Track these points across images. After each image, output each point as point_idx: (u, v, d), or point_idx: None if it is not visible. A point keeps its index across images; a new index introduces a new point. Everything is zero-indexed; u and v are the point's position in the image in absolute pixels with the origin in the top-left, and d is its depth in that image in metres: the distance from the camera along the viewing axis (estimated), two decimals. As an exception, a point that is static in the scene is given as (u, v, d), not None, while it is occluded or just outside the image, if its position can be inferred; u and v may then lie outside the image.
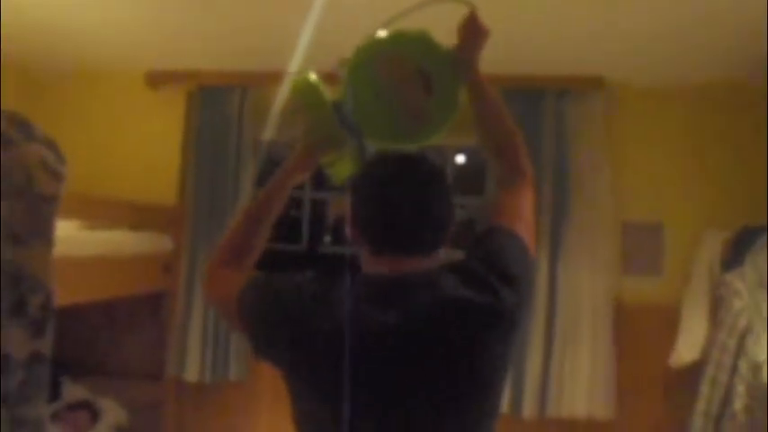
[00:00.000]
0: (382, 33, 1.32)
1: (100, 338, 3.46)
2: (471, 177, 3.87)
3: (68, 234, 2.34)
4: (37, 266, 0.93)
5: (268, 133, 3.22)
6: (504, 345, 1.13)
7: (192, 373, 3.29)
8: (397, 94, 1.29)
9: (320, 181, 3.78)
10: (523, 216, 1.29)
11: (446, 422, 1.10)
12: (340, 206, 4.51)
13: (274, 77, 3.17)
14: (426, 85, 1.28)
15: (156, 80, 3.45)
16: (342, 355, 1.07)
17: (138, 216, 3.07)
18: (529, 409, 3.07)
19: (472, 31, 1.33)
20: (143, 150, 3.50)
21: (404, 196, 1.15)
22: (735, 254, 2.77)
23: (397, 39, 1.32)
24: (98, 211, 2.76)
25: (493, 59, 2.83)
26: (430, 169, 1.18)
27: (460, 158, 4.39)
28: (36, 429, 0.86)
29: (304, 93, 1.34)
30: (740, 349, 2.53)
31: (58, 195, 0.94)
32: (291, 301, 1.15)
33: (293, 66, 2.95)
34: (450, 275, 1.14)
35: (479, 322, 1.10)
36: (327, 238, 4.60)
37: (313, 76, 1.36)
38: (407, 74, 1.28)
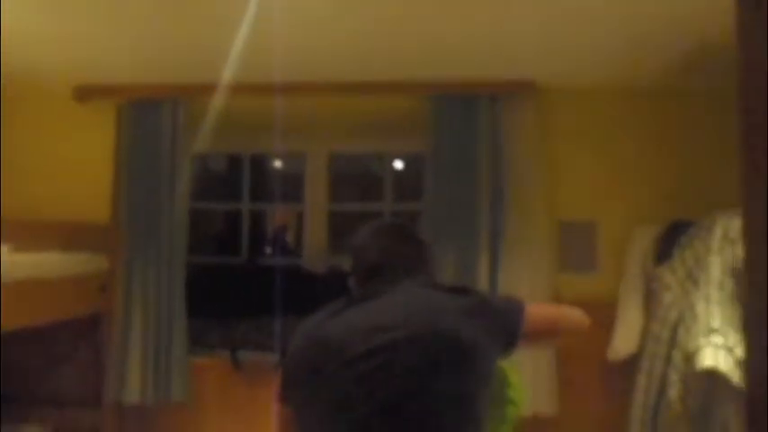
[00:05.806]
0: None
1: (33, 365, 3.32)
2: (409, 182, 3.90)
3: (-2, 258, 2.25)
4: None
5: (201, 145, 3.18)
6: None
7: (132, 396, 3.19)
8: None
9: (258, 192, 3.74)
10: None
11: None
12: (282, 216, 4.47)
13: (205, 90, 3.14)
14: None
15: (85, 95, 3.34)
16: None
17: (70, 236, 2.96)
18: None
19: None
20: (74, 168, 3.39)
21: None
22: (665, 248, 2.86)
23: None
24: (27, 233, 2.66)
25: (427, 62, 2.91)
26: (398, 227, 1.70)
27: (398, 164, 4.43)
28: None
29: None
30: (673, 340, 2.63)
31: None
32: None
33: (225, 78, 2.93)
34: None
35: None
36: (268, 250, 4.55)
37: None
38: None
